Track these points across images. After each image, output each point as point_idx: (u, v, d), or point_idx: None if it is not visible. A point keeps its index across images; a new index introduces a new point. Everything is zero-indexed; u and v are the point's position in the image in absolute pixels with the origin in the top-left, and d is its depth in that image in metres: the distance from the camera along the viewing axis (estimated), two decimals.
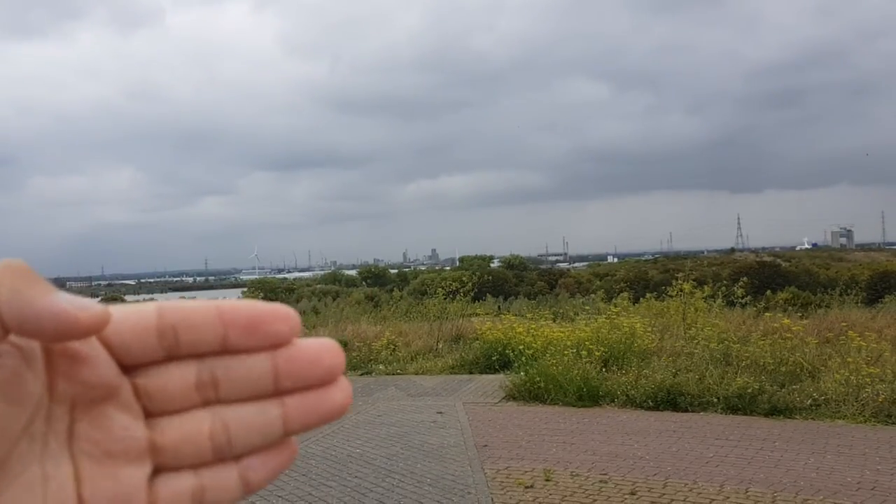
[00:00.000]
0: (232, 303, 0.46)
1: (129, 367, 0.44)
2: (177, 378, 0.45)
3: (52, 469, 0.41)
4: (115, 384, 0.43)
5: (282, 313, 0.47)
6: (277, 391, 0.46)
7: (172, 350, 0.44)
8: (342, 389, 0.47)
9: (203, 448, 0.45)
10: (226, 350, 0.45)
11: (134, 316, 0.44)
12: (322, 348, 0.47)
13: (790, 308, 19.42)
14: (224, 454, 0.45)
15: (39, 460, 0.41)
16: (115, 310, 0.44)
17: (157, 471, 0.44)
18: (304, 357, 0.47)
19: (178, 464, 0.45)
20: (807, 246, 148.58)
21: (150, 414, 0.45)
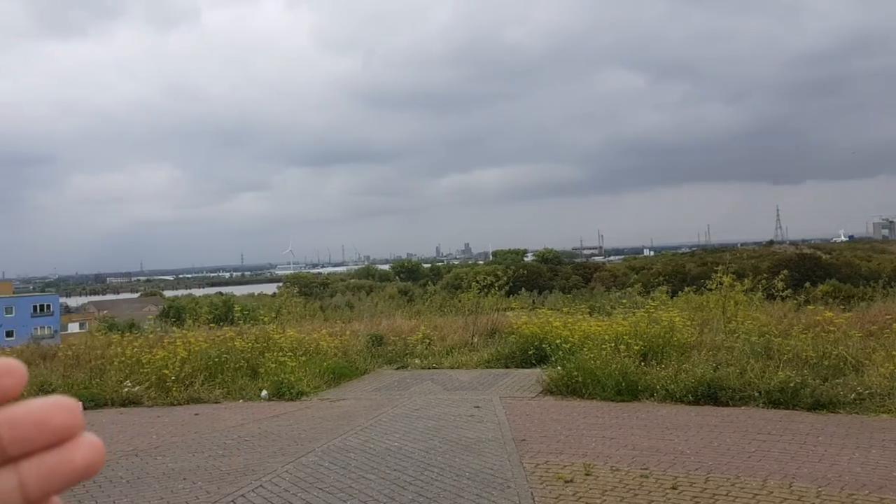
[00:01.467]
0: None
1: None
2: None
3: None
4: None
5: (6, 366, 0.43)
6: (8, 459, 0.42)
7: None
8: (85, 448, 0.44)
9: None
10: None
11: None
12: (51, 408, 0.44)
13: (831, 301, 19.07)
14: None
15: None
16: None
17: None
18: (29, 420, 0.43)
19: None
20: (843, 238, 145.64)
21: None
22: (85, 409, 11.34)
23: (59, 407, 0.44)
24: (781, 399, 9.97)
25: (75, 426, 0.44)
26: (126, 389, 13.17)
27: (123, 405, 12.74)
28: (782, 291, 15.76)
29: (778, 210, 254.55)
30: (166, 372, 13.30)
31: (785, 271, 16.92)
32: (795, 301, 16.50)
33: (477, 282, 19.35)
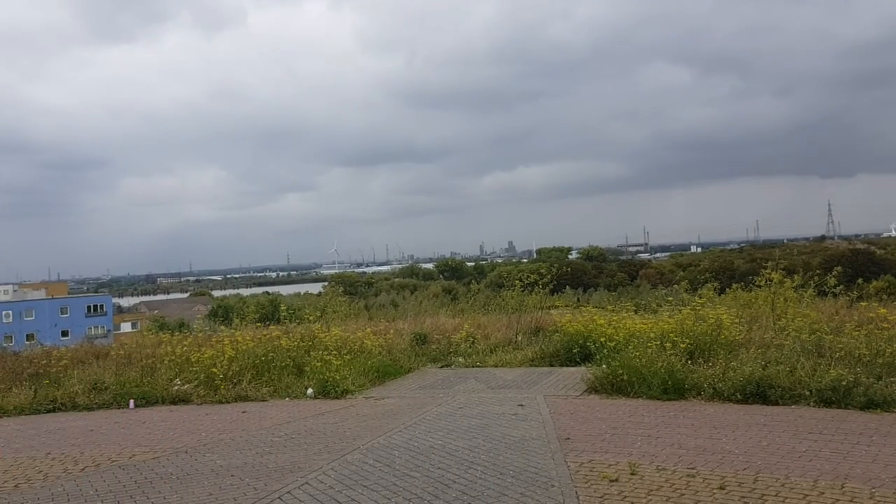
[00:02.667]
0: None
1: None
2: None
3: None
4: None
5: None
6: None
7: None
8: None
9: None
10: None
11: None
12: None
13: (886, 297, 18.56)
14: None
15: None
16: None
17: None
18: None
19: None
20: (894, 233, 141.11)
21: None
22: (136, 406, 11.61)
23: None
24: (833, 398, 9.74)
25: None
26: (176, 387, 13.43)
27: (173, 403, 13.00)
28: (834, 288, 15.39)
29: (829, 204, 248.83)
30: (214, 370, 13.53)
31: (838, 267, 16.50)
32: (848, 297, 16.09)
33: (520, 280, 19.29)
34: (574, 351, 14.58)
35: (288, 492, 6.99)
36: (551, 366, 14.64)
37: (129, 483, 7.70)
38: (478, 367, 15.38)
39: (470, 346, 17.03)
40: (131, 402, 12.87)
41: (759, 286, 15.50)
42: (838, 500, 6.09)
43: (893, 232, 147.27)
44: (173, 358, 14.36)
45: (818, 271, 16.09)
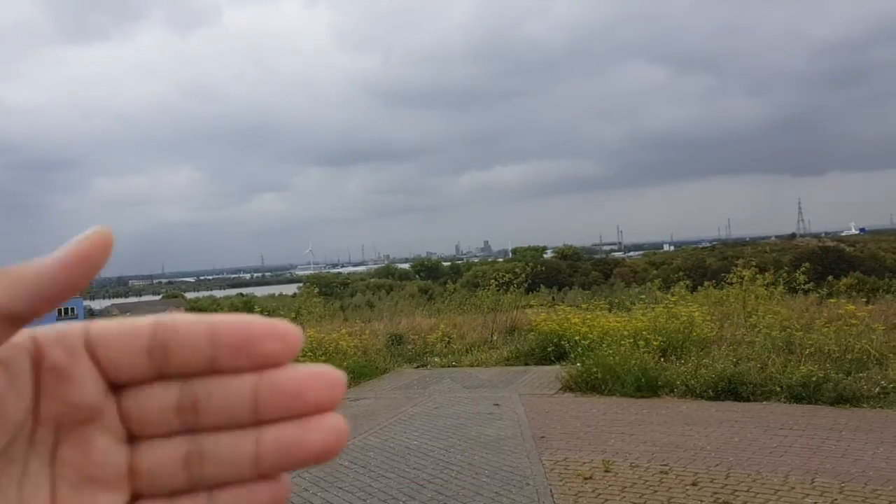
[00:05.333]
0: (227, 318, 0.42)
1: (115, 387, 0.41)
2: (159, 400, 0.41)
3: (29, 493, 0.39)
4: (101, 405, 0.40)
5: (278, 331, 0.42)
6: (257, 422, 0.41)
7: (161, 370, 0.41)
8: (325, 430, 0.41)
9: (178, 477, 0.41)
10: (213, 370, 0.41)
11: (127, 332, 0.41)
12: (312, 378, 0.41)
13: (855, 294, 18.84)
14: (197, 485, 0.41)
15: (18, 483, 0.39)
16: (108, 324, 0.41)
17: (134, 498, 0.41)
18: (288, 387, 0.41)
19: (154, 492, 0.41)
20: (854, 231, 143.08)
21: (131, 437, 0.41)
22: None
23: (322, 379, 0.41)
24: (803, 394, 9.87)
25: (331, 402, 0.42)
26: None
27: None
28: (804, 285, 15.59)
29: (800, 203, 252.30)
30: None
31: (807, 264, 16.73)
32: (818, 294, 16.31)
33: (496, 279, 19.32)
34: (549, 349, 14.62)
35: None
36: (526, 365, 14.68)
37: None
38: (453, 366, 15.38)
39: (446, 346, 17.03)
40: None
41: (731, 284, 15.67)
42: (808, 494, 6.18)
43: (853, 230, 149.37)
44: None
45: (788, 269, 16.28)
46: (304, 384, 0.41)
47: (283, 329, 0.42)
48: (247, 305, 30.60)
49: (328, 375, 0.42)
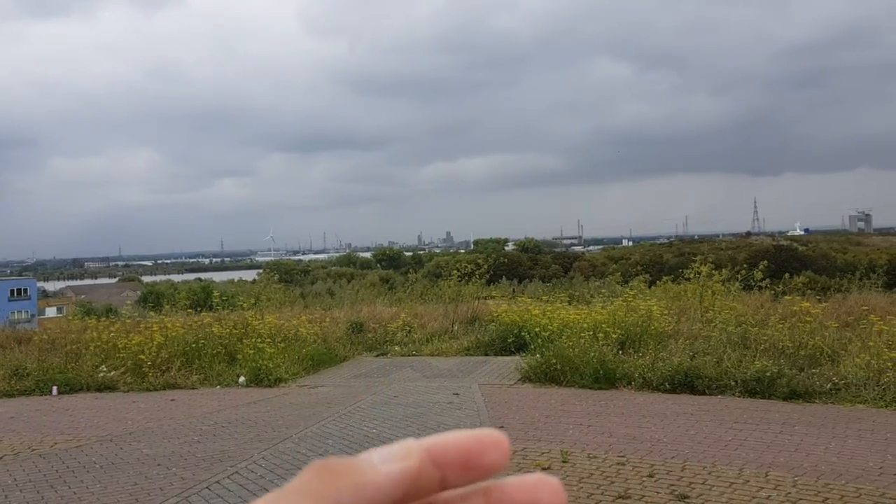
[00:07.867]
0: (437, 440, 0.45)
1: None
2: None
3: None
4: None
5: (492, 441, 0.45)
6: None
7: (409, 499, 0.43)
8: (549, 494, 0.43)
9: None
10: (443, 488, 0.44)
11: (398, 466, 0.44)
12: (541, 488, 0.44)
13: (808, 292, 19.22)
14: None
15: None
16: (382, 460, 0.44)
17: None
18: (520, 498, 0.44)
19: None
20: (799, 231, 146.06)
21: None
22: (60, 393, 11.13)
23: (549, 489, 0.44)
24: (758, 388, 10.03)
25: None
26: (102, 374, 13.03)
27: (99, 390, 12.60)
28: (760, 282, 15.86)
29: (755, 202, 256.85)
30: (142, 357, 13.16)
31: (764, 262, 17.01)
32: (772, 291, 16.61)
33: (458, 270, 19.34)
34: (509, 340, 14.68)
35: (217, 481, 6.84)
36: (486, 355, 14.72)
37: (51, 472, 7.43)
38: (414, 355, 15.35)
39: (406, 335, 16.99)
40: (54, 388, 12.43)
41: (688, 279, 15.88)
42: (762, 487, 6.27)
43: (797, 230, 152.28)
44: (99, 344, 13.92)
45: (744, 266, 16.55)
46: (534, 493, 0.44)
47: (496, 438, 0.45)
48: (205, 290, 30.11)
49: (553, 484, 0.44)
